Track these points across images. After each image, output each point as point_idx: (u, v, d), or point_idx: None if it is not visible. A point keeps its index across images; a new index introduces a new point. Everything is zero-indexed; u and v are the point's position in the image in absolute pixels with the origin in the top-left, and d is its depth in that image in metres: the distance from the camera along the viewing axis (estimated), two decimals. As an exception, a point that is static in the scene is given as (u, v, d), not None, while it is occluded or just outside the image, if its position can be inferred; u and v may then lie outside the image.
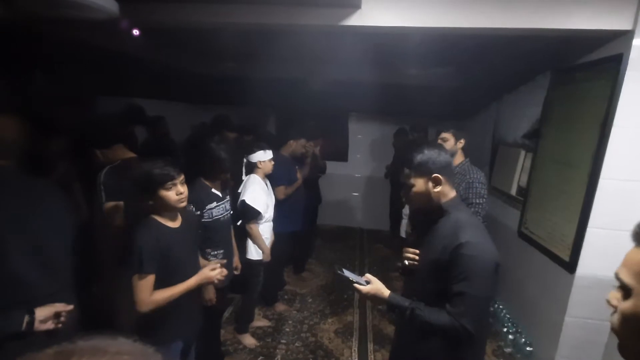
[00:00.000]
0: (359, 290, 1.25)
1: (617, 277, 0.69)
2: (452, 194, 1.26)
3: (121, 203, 1.78)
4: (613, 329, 0.69)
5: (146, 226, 1.45)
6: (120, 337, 0.43)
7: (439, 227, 1.24)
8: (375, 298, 1.25)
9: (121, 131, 1.97)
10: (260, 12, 1.93)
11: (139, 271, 1.40)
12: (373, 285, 1.26)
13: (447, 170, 1.24)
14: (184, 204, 1.51)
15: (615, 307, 0.68)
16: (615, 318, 0.67)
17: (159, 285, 1.44)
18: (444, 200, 1.25)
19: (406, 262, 1.42)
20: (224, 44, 3.06)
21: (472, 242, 1.12)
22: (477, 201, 2.05)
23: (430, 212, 1.30)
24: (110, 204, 1.78)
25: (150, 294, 1.42)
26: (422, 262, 1.32)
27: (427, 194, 1.24)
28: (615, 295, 0.69)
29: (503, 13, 1.79)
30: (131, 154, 1.94)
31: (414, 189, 1.25)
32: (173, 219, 1.53)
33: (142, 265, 1.39)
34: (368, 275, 1.29)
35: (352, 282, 1.26)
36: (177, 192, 1.46)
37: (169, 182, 1.44)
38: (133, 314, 1.43)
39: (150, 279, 1.42)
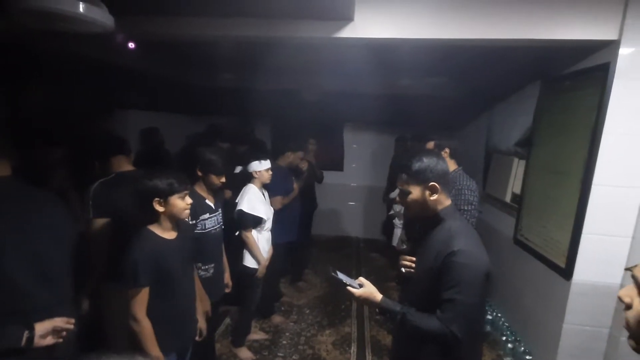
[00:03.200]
0: (351, 293, 1.26)
1: (634, 277, 0.70)
2: (447, 202, 1.28)
3: (107, 220, 1.75)
4: (627, 325, 0.70)
5: (141, 238, 1.44)
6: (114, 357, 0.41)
7: (434, 235, 1.25)
8: (367, 301, 1.26)
9: (121, 142, 1.96)
10: (255, 25, 1.96)
11: (134, 285, 1.39)
12: (366, 288, 1.26)
13: (444, 179, 1.25)
14: (188, 214, 1.56)
15: (627, 304, 0.69)
16: (631, 315, 0.69)
17: (152, 296, 1.43)
18: (439, 208, 1.26)
19: (403, 269, 1.43)
20: (219, 55, 3.10)
21: (464, 250, 1.13)
22: (466, 208, 2.12)
23: (425, 220, 1.31)
24: (97, 220, 1.75)
25: (145, 306, 1.41)
26: (418, 270, 1.34)
27: (423, 202, 1.25)
28: (628, 293, 0.70)
29: (492, 24, 1.84)
30: (129, 167, 1.92)
31: (411, 196, 1.26)
32: (172, 229, 1.54)
33: (137, 279, 1.38)
34: (361, 279, 1.30)
35: (346, 285, 1.27)
36: (187, 202, 1.52)
37: (184, 191, 1.50)
38: (125, 327, 1.41)
39: (145, 292, 1.41)
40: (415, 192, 1.25)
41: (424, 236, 1.31)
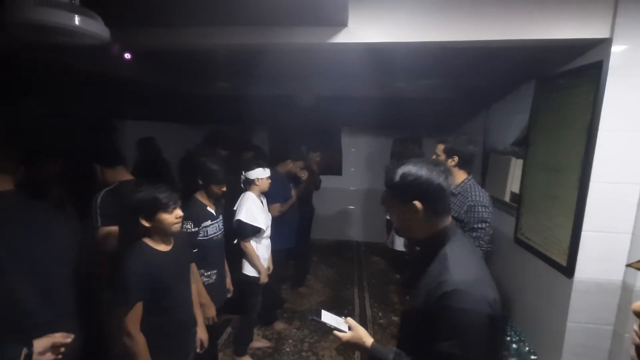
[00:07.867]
0: (338, 338, 1.12)
1: None
2: (445, 221, 1.04)
3: (116, 228, 1.76)
4: None
5: (135, 251, 1.43)
6: None
7: (430, 262, 1.04)
8: (356, 347, 1.12)
9: (121, 153, 2.00)
10: (249, 33, 1.97)
11: (126, 300, 1.37)
12: (354, 332, 1.11)
13: (433, 195, 1.00)
14: (179, 227, 1.52)
15: None
16: None
17: (147, 310, 1.41)
18: (435, 229, 1.04)
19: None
20: (214, 64, 3.11)
21: (460, 291, 0.90)
22: (479, 226, 1.93)
23: (419, 243, 1.12)
24: (105, 228, 1.75)
25: (138, 321, 1.39)
26: (409, 304, 1.11)
27: (411, 222, 1.04)
28: None
29: (484, 26, 1.85)
30: (130, 176, 1.94)
31: (396, 214, 1.08)
32: (166, 241, 1.52)
33: (129, 294, 1.37)
34: (349, 320, 1.16)
35: (331, 328, 1.13)
36: (176, 216, 1.48)
37: (172, 206, 1.46)
38: (120, 341, 1.39)
39: (138, 307, 1.39)
40: (398, 209, 1.06)
41: (418, 264, 1.10)
